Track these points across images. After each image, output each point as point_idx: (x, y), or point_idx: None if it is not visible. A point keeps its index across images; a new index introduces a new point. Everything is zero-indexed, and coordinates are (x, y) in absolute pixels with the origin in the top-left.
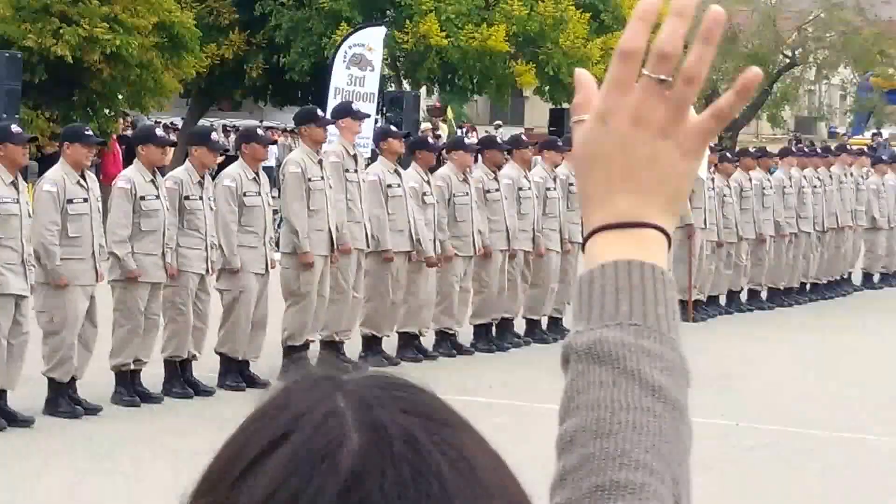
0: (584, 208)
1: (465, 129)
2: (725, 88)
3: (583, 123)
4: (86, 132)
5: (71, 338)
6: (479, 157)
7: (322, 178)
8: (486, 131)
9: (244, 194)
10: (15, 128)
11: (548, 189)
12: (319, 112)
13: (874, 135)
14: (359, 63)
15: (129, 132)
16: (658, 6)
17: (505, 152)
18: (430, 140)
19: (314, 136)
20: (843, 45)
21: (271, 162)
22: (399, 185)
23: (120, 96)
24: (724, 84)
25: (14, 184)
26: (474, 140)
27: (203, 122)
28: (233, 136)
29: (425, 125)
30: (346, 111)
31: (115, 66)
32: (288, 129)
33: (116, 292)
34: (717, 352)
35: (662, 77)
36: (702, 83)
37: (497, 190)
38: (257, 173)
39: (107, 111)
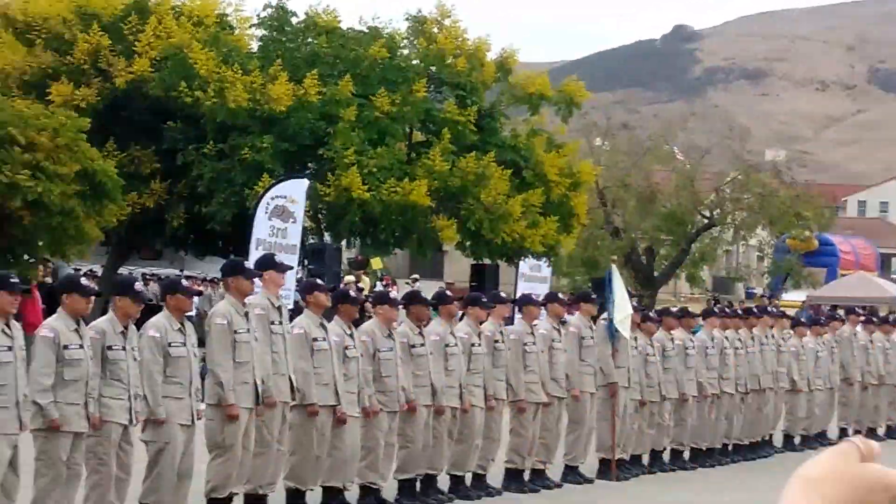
0: None
1: (385, 283)
2: (644, 248)
3: None
4: (11, 280)
5: None
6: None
7: (248, 330)
8: (407, 283)
9: (169, 344)
10: None
11: (472, 345)
12: (247, 264)
13: (771, 297)
14: (281, 215)
15: (48, 279)
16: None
17: (430, 307)
18: (353, 293)
19: (241, 287)
20: (760, 207)
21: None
22: (325, 339)
23: (41, 243)
24: (643, 243)
25: None
26: (395, 293)
27: (123, 270)
28: (153, 285)
29: (349, 278)
30: (269, 264)
31: (37, 213)
32: (208, 278)
33: (38, 442)
34: None
35: None
36: None
37: (422, 345)
38: (182, 323)
39: (27, 258)
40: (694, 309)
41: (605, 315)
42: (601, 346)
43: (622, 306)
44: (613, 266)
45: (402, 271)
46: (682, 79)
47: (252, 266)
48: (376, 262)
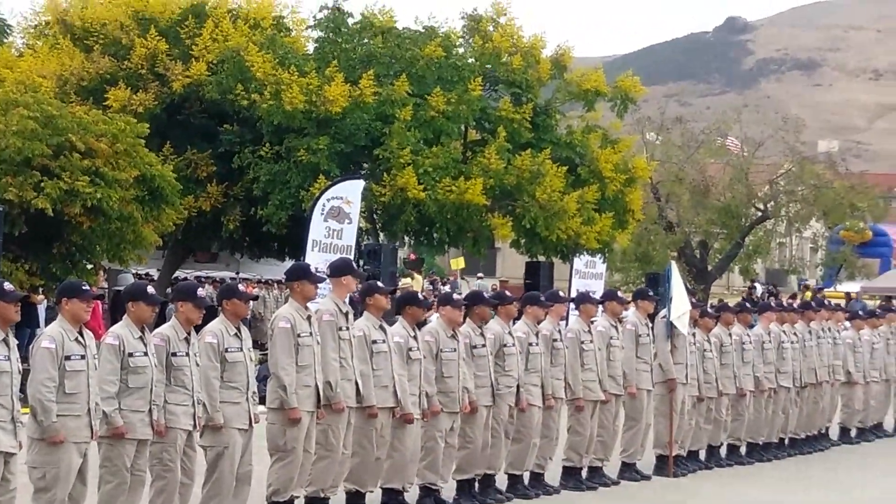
0: None
1: (433, 281)
2: (698, 241)
3: None
4: (83, 287)
5: (62, 494)
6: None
7: (310, 333)
8: (464, 281)
9: (226, 350)
10: (7, 285)
11: (530, 344)
12: (312, 268)
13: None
14: (336, 216)
15: (105, 284)
16: None
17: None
18: (421, 296)
19: (305, 292)
20: (814, 199)
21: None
22: (384, 341)
23: (99, 249)
24: (696, 237)
25: (5, 340)
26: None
27: (179, 273)
28: (208, 288)
29: (405, 280)
30: (348, 269)
31: (96, 219)
32: (263, 280)
33: (103, 449)
34: None
35: None
36: None
37: (483, 346)
38: (238, 328)
39: (86, 264)
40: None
41: (663, 312)
42: (660, 343)
43: (680, 303)
44: (672, 262)
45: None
46: (735, 71)
47: (320, 269)
48: (458, 263)
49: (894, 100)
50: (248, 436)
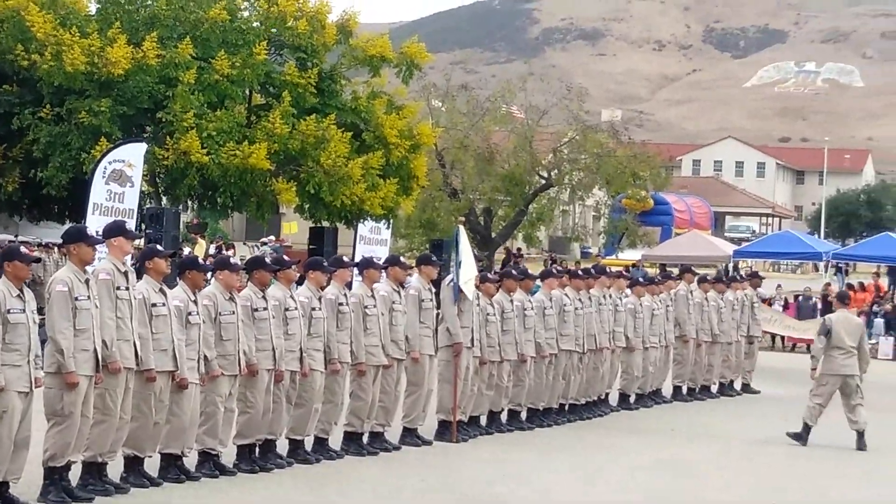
0: None
1: (218, 246)
2: (482, 209)
3: None
4: None
5: None
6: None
7: (88, 297)
8: (246, 245)
9: (8, 311)
10: None
11: (313, 309)
12: (89, 231)
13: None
14: (118, 179)
15: None
16: None
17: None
18: (201, 261)
19: (82, 255)
20: (597, 167)
21: None
22: (164, 304)
23: None
24: (481, 203)
25: None
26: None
27: None
28: None
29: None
30: (119, 230)
31: None
32: (43, 243)
33: None
34: (480, 472)
35: None
36: None
37: (265, 309)
38: (21, 290)
39: None
40: (531, 268)
41: (450, 277)
42: (447, 307)
43: (468, 267)
44: (461, 227)
45: (238, 234)
46: (520, 39)
47: (99, 232)
48: (290, 228)
49: (676, 70)
50: (29, 400)
